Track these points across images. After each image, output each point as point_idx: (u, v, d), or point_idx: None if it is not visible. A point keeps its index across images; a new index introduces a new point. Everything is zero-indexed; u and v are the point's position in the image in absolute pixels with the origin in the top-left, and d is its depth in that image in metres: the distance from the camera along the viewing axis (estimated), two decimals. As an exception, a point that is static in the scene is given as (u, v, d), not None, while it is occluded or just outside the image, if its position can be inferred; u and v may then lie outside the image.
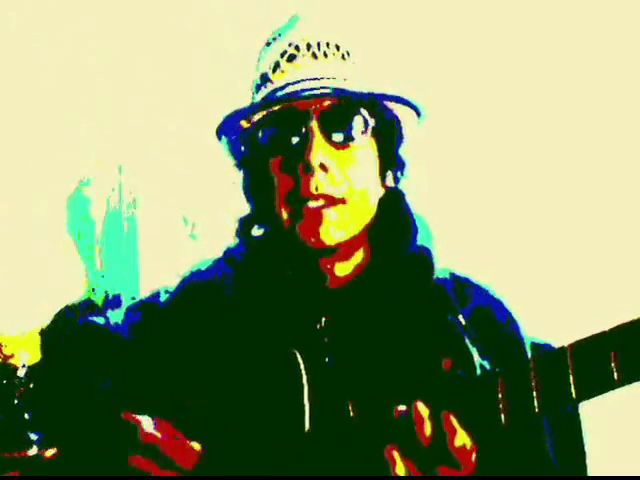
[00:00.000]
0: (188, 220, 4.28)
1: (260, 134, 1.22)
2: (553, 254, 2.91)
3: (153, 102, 3.85)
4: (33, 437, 1.22)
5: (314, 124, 1.18)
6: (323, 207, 1.18)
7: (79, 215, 4.06)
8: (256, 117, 1.22)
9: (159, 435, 1.11)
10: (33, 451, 1.21)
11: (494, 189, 3.01)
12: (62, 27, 3.69)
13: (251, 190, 1.31)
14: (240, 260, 1.30)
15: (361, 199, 1.21)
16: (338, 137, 1.19)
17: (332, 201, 1.18)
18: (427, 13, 2.96)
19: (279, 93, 1.20)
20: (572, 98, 2.98)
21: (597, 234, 2.87)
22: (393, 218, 1.28)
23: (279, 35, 1.27)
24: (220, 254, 1.36)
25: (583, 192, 2.95)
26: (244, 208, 1.36)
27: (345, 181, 1.19)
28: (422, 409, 0.98)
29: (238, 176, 1.32)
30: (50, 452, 1.21)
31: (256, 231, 1.32)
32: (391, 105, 1.23)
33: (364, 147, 1.22)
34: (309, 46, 1.22)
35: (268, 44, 1.27)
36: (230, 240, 1.35)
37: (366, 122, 1.21)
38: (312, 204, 1.18)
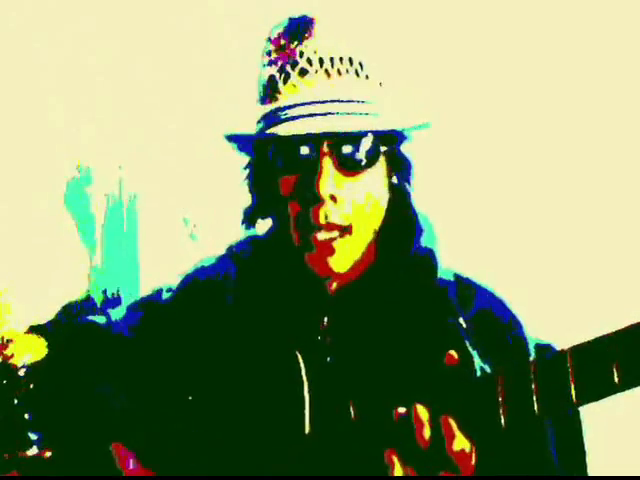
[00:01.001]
0: (188, 220, 4.28)
1: (269, 148, 1.20)
2: (556, 255, 2.91)
3: (153, 102, 3.85)
4: (33, 437, 1.21)
5: (325, 150, 1.16)
6: (332, 240, 1.17)
7: (79, 208, 4.06)
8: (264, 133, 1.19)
9: None
10: (33, 451, 1.21)
11: (498, 190, 3.01)
12: (62, 27, 3.69)
13: (255, 190, 1.29)
14: (243, 258, 1.30)
15: (369, 223, 1.20)
16: (349, 165, 1.17)
17: (340, 231, 1.17)
18: (436, 18, 2.96)
19: (290, 112, 1.17)
20: (575, 100, 2.98)
21: (600, 236, 2.87)
22: (398, 218, 1.28)
23: (287, 32, 1.22)
24: (221, 253, 1.35)
25: (586, 194, 2.95)
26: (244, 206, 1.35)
27: (355, 210, 1.18)
28: (421, 412, 0.98)
29: (246, 182, 1.31)
30: (50, 452, 1.21)
31: (260, 230, 1.31)
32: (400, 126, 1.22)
33: (374, 173, 1.20)
34: (322, 61, 1.18)
35: (277, 38, 1.22)
36: (231, 239, 1.35)
37: (376, 147, 1.19)
38: (321, 236, 1.17)
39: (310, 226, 1.17)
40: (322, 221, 1.16)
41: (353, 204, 1.18)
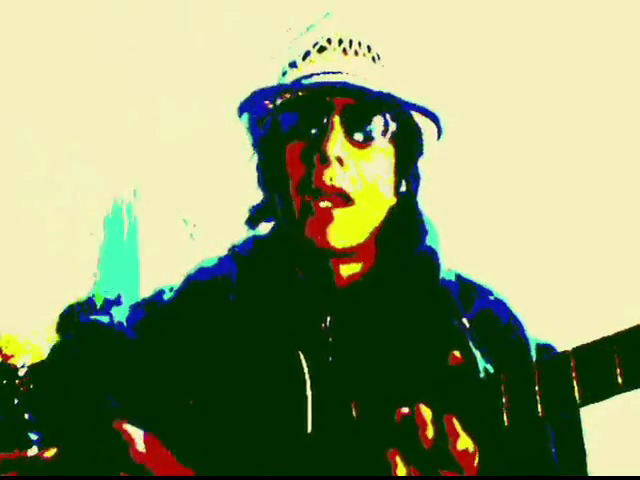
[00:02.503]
0: (188, 221, 4.28)
1: (281, 118, 1.22)
2: (556, 256, 2.91)
3: (153, 102, 3.85)
4: (33, 437, 1.21)
5: (335, 117, 1.17)
6: (334, 208, 1.17)
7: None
8: (279, 100, 1.21)
9: (150, 455, 1.11)
10: (33, 451, 1.20)
11: (500, 191, 3.02)
12: (62, 29, 3.70)
13: (264, 174, 1.30)
14: (245, 258, 1.30)
15: (372, 200, 1.20)
16: (358, 135, 1.19)
17: (342, 200, 1.17)
18: (462, 23, 2.96)
19: (305, 81, 1.20)
20: (575, 102, 2.98)
21: (603, 237, 2.87)
22: (402, 219, 1.27)
23: (312, 27, 1.26)
24: (222, 253, 1.35)
25: (588, 195, 2.95)
26: (244, 209, 1.35)
27: (359, 178, 1.18)
28: (425, 411, 0.97)
29: (254, 158, 1.31)
30: (50, 452, 1.21)
31: (263, 229, 1.31)
32: (415, 115, 1.22)
33: (382, 150, 1.21)
34: (341, 41, 1.22)
35: (299, 35, 1.27)
36: (232, 239, 1.35)
37: (387, 125, 1.20)
38: (322, 204, 1.17)
39: (313, 190, 1.17)
40: (327, 182, 1.16)
41: (359, 173, 1.18)
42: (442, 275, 1.25)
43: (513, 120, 3.05)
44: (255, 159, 1.31)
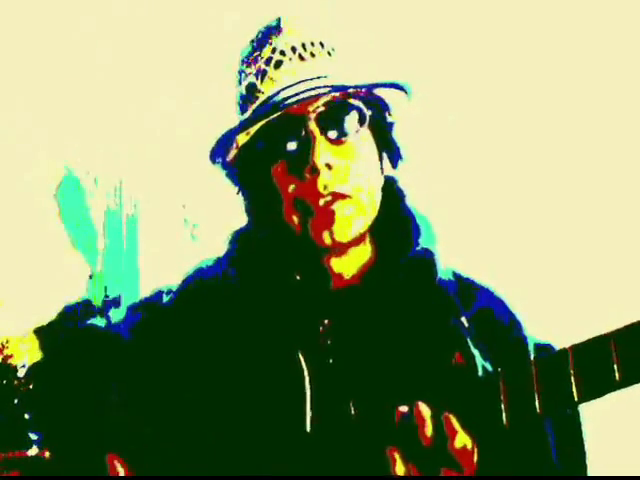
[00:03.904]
0: (188, 221, 4.27)
1: (258, 145, 1.21)
2: (555, 254, 2.91)
3: (154, 103, 3.85)
4: (33, 437, 1.21)
5: (313, 125, 1.18)
6: (332, 203, 1.17)
7: (76, 213, 4.06)
8: (253, 129, 1.20)
9: None
10: (33, 451, 1.20)
11: (497, 188, 3.01)
12: (62, 30, 3.69)
13: (252, 208, 1.30)
14: (242, 260, 1.30)
15: (366, 193, 1.21)
16: (338, 134, 1.19)
17: (339, 196, 1.18)
18: (434, 11, 2.96)
19: (276, 98, 1.18)
20: (573, 97, 2.98)
21: (600, 235, 2.87)
22: (395, 220, 1.28)
23: (256, 43, 1.24)
24: (221, 254, 1.35)
25: (585, 192, 2.95)
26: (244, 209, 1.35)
27: (350, 177, 1.19)
28: (424, 410, 0.98)
29: (240, 195, 1.31)
30: (50, 452, 1.21)
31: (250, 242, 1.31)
32: (380, 92, 1.23)
33: (363, 140, 1.22)
34: (294, 49, 1.21)
35: (250, 53, 1.25)
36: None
37: (363, 114, 1.21)
38: (322, 201, 1.17)
39: (309, 201, 1.17)
40: (322, 190, 1.17)
41: (348, 172, 1.19)
42: (440, 274, 1.25)
43: (513, 119, 3.05)
44: (241, 195, 1.30)
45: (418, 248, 1.25)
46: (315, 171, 1.16)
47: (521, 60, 3.06)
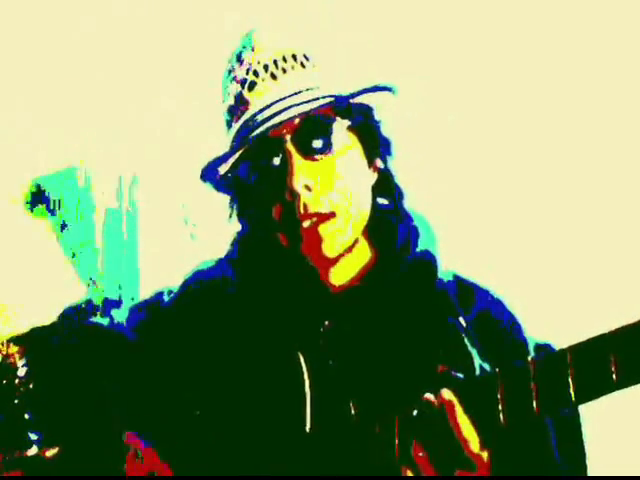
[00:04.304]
0: (188, 220, 4.28)
1: (239, 172, 1.22)
2: (553, 255, 2.91)
3: (154, 103, 3.85)
4: (33, 437, 1.21)
5: (289, 146, 1.18)
6: (317, 225, 1.18)
7: (78, 214, 4.06)
8: (233, 159, 1.20)
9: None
10: (33, 451, 1.21)
11: (496, 190, 3.02)
12: (63, 30, 3.70)
13: (246, 224, 1.31)
14: (242, 261, 1.30)
15: (351, 206, 1.20)
16: (315, 152, 1.18)
17: (322, 218, 1.18)
18: (434, 12, 2.96)
19: (251, 123, 1.18)
20: (574, 98, 2.99)
21: (599, 236, 2.87)
22: (394, 221, 1.28)
23: (235, 61, 1.24)
24: (221, 255, 1.35)
25: (585, 194, 2.95)
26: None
27: (331, 194, 1.19)
28: (449, 395, 0.99)
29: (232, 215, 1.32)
30: (50, 452, 1.21)
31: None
32: (362, 98, 1.22)
33: (346, 149, 1.21)
34: (266, 67, 1.20)
35: (229, 71, 1.25)
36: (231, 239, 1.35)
37: (340, 124, 1.20)
38: (306, 224, 1.18)
39: (295, 222, 1.18)
40: (302, 212, 1.17)
41: (329, 188, 1.19)
42: (440, 275, 1.25)
43: (513, 119, 3.05)
44: (234, 214, 1.31)
45: (418, 250, 1.25)
46: (294, 195, 1.16)
47: (521, 60, 3.06)
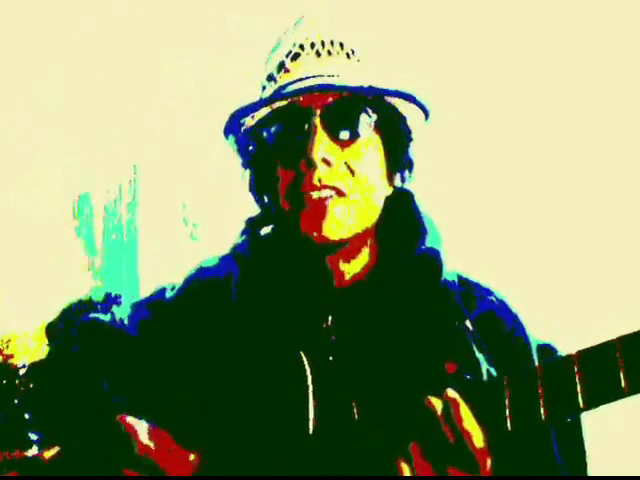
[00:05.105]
0: (188, 221, 4.28)
1: (264, 132, 1.23)
2: (557, 256, 2.91)
3: (154, 102, 3.85)
4: (33, 437, 1.21)
5: (317, 120, 1.19)
6: (327, 199, 1.18)
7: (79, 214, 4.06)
8: (260, 115, 1.22)
9: (154, 446, 1.11)
10: (33, 451, 1.20)
11: (500, 191, 3.01)
12: (65, 29, 3.70)
13: (257, 188, 1.31)
14: (247, 258, 1.30)
15: (365, 195, 1.21)
16: (341, 133, 1.20)
17: (334, 193, 1.18)
18: (435, 12, 2.96)
19: (283, 91, 1.21)
20: (574, 98, 2.99)
21: (602, 238, 2.87)
22: (401, 218, 1.28)
23: (284, 36, 1.28)
24: (222, 253, 1.35)
25: (588, 196, 2.95)
26: (246, 209, 1.36)
27: (348, 175, 1.19)
28: (454, 395, 0.98)
29: (245, 174, 1.33)
30: (50, 452, 1.20)
31: (263, 231, 1.32)
32: (396, 103, 1.23)
33: (368, 143, 1.22)
34: (313, 45, 1.24)
35: (276, 46, 1.29)
36: (234, 239, 1.35)
37: (369, 117, 1.21)
38: (315, 194, 1.18)
39: (303, 192, 1.18)
40: (316, 183, 1.17)
41: (347, 170, 1.20)
42: (444, 276, 1.25)
43: (515, 120, 3.05)
44: (247, 174, 1.32)
45: (423, 247, 1.25)
46: (311, 165, 1.17)
47: (520, 60, 3.06)
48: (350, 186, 1.19)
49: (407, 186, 1.30)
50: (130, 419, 1.14)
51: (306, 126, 1.19)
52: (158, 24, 3.72)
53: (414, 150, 1.29)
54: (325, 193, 1.18)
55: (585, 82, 2.98)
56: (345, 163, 1.19)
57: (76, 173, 3.98)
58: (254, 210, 1.35)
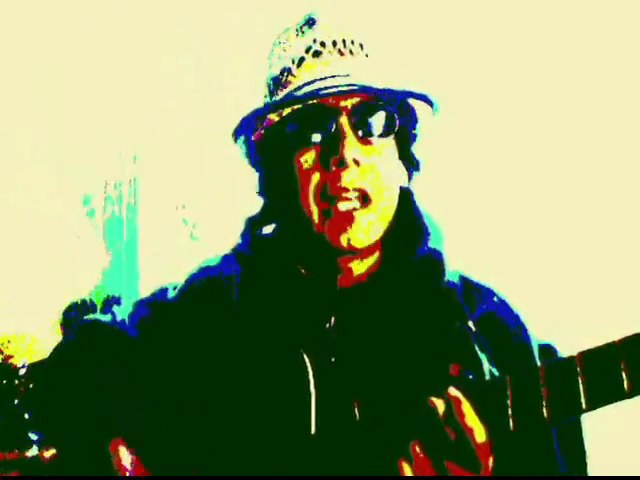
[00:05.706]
0: (188, 221, 4.28)
1: (287, 129, 1.22)
2: (558, 256, 2.91)
3: (154, 102, 3.85)
4: (33, 437, 1.21)
5: (344, 120, 1.18)
6: (354, 210, 1.18)
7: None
8: (286, 111, 1.21)
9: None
10: (33, 451, 1.20)
11: (502, 192, 3.01)
12: (65, 29, 3.70)
13: (268, 189, 1.30)
14: (249, 257, 1.30)
15: (388, 196, 1.21)
16: (367, 134, 1.20)
17: (362, 201, 1.18)
18: (449, 14, 2.95)
19: (308, 88, 1.19)
20: (574, 98, 2.99)
21: (605, 239, 2.87)
22: (403, 218, 1.28)
23: (296, 31, 1.26)
24: (223, 253, 1.35)
25: (590, 196, 2.95)
26: (246, 209, 1.35)
27: (376, 177, 1.20)
28: (455, 392, 0.98)
29: (252, 177, 1.32)
30: (50, 452, 1.20)
31: (264, 230, 1.32)
32: (413, 103, 1.23)
33: (388, 144, 1.23)
34: (335, 43, 1.22)
35: (286, 40, 1.26)
36: (235, 240, 1.35)
37: (393, 120, 1.21)
38: (342, 206, 1.18)
39: (332, 194, 1.18)
40: (347, 185, 1.17)
41: (374, 172, 1.20)
42: (447, 276, 1.25)
43: (516, 120, 3.05)
44: (257, 175, 1.31)
45: (426, 248, 1.25)
46: (343, 164, 1.17)
47: (521, 60, 3.06)
48: (376, 190, 1.19)
49: (411, 183, 1.31)
50: (121, 451, 1.15)
51: (332, 126, 1.18)
52: (158, 24, 3.72)
53: (419, 147, 1.29)
54: (351, 205, 1.18)
55: (585, 82, 2.98)
56: (371, 164, 1.19)
57: (76, 173, 3.98)
58: (254, 210, 1.34)
